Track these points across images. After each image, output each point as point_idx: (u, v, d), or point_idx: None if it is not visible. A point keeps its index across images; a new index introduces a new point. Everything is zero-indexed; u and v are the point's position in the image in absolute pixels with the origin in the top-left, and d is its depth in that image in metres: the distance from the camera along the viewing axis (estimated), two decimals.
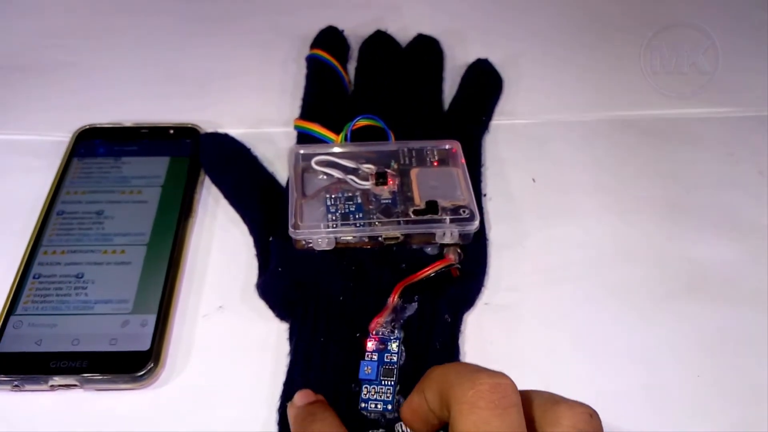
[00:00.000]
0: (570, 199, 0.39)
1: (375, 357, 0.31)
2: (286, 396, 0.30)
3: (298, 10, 0.51)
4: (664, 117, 0.44)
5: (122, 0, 0.53)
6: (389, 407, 0.29)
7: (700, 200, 0.39)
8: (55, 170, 0.39)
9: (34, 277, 0.34)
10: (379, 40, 0.46)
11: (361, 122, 0.39)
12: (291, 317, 0.33)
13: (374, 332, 0.31)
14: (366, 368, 0.30)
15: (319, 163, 0.37)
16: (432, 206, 0.35)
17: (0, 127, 0.43)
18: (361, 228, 0.34)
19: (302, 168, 0.37)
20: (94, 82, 0.46)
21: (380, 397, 0.30)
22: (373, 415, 0.29)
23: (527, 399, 0.23)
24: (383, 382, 0.30)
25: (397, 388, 0.30)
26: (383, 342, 0.31)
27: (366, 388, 0.30)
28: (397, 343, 0.31)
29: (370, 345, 0.31)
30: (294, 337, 0.32)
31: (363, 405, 0.29)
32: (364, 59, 0.46)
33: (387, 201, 0.35)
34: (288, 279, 0.33)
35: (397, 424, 0.28)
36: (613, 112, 0.44)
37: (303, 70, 0.44)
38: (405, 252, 0.34)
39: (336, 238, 0.34)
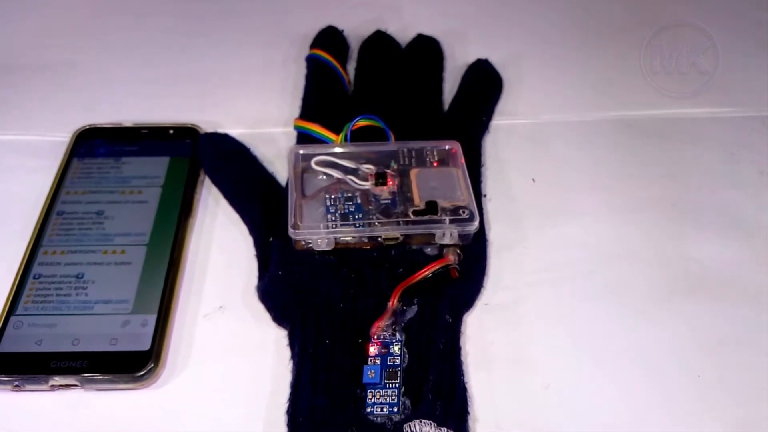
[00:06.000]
0: (570, 199, 0.39)
1: (378, 361, 0.31)
2: (295, 399, 0.30)
3: (298, 10, 0.51)
4: (664, 117, 0.44)
5: (122, 0, 0.53)
6: (395, 410, 0.29)
7: (700, 200, 0.39)
8: (55, 170, 0.39)
9: (34, 278, 0.34)
10: (379, 40, 0.46)
11: (361, 122, 0.39)
12: (290, 323, 0.33)
13: (376, 336, 0.31)
14: (369, 372, 0.30)
15: (318, 163, 0.37)
16: (431, 207, 0.35)
17: (0, 127, 0.43)
18: (361, 228, 0.34)
19: (302, 168, 0.37)
20: (94, 82, 0.46)
21: (385, 400, 0.30)
22: (379, 418, 0.29)
23: None
24: (387, 385, 0.30)
25: (402, 390, 0.30)
26: (385, 346, 0.31)
27: (371, 392, 0.30)
28: (399, 346, 0.31)
29: (373, 349, 0.31)
30: (296, 342, 0.32)
31: (369, 409, 0.29)
32: (363, 59, 0.46)
33: (386, 201, 0.35)
34: (288, 284, 0.33)
35: (405, 425, 0.29)
36: (613, 112, 0.44)
37: (303, 70, 0.44)
38: (403, 256, 0.34)
39: (335, 239, 0.34)
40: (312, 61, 0.44)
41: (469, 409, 0.30)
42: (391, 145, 0.38)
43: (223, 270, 0.36)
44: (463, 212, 0.34)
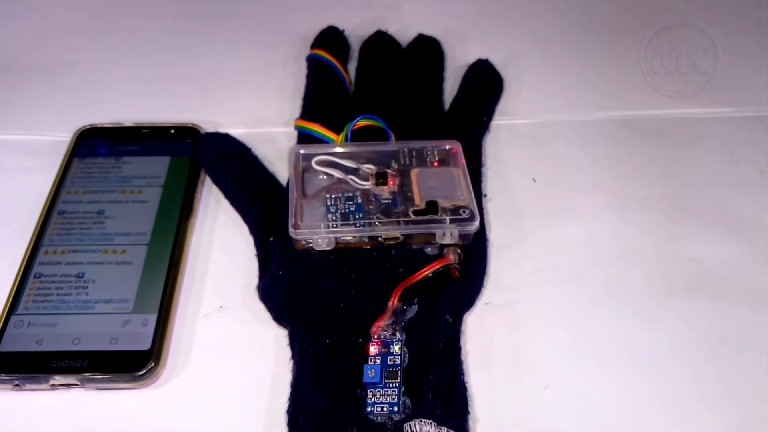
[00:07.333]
0: (570, 198, 0.39)
1: (378, 360, 0.31)
2: (295, 398, 0.30)
3: (298, 10, 0.51)
4: (664, 117, 0.44)
5: (122, 0, 0.53)
6: (395, 409, 0.29)
7: (700, 200, 0.39)
8: (55, 170, 0.39)
9: (35, 277, 0.34)
10: (380, 40, 0.46)
11: (362, 122, 0.39)
12: (290, 323, 0.33)
13: (376, 336, 0.31)
14: (370, 372, 0.30)
15: (319, 163, 0.37)
16: (432, 206, 0.35)
17: (0, 127, 0.43)
18: (361, 228, 0.34)
19: (302, 168, 0.37)
20: (94, 81, 0.46)
21: (386, 399, 0.30)
22: (379, 418, 0.29)
23: None
24: (388, 385, 0.30)
25: (402, 389, 0.30)
26: (385, 345, 0.31)
27: (371, 391, 0.30)
28: (399, 346, 0.31)
29: (373, 349, 0.31)
30: (297, 342, 0.32)
31: (369, 409, 0.29)
32: (364, 59, 0.46)
33: (387, 201, 0.35)
34: (288, 284, 0.33)
35: (405, 425, 0.29)
36: (613, 112, 0.44)
37: (303, 70, 0.44)
38: (403, 255, 0.34)
39: (336, 239, 0.34)
40: (313, 61, 0.44)
41: (469, 409, 0.30)
42: (392, 145, 0.38)
43: (224, 270, 0.36)
44: (464, 212, 0.34)
